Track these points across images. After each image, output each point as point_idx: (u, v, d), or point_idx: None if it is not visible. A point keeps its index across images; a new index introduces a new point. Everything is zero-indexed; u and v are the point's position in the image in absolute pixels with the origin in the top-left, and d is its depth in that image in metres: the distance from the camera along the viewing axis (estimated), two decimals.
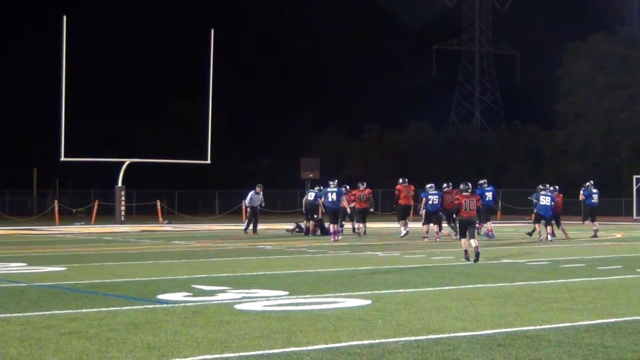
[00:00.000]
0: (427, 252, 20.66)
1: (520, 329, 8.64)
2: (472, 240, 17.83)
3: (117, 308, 10.13)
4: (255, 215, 30.55)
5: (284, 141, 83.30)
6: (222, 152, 72.72)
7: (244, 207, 30.58)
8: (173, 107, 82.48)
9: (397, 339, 8.02)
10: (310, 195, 29.78)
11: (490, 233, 27.93)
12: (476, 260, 17.46)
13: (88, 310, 9.99)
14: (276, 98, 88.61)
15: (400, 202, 28.20)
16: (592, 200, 28.87)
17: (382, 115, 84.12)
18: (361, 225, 29.26)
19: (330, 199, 27.05)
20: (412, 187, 28.60)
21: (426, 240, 26.20)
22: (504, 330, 8.56)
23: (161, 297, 11.28)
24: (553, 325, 8.85)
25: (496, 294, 11.67)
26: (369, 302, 10.67)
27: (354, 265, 16.81)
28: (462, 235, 18.10)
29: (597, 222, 28.97)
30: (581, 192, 29.17)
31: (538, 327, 8.76)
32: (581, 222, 29.01)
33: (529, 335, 8.23)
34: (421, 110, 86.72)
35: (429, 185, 27.48)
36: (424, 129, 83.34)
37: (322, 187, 29.32)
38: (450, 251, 21.00)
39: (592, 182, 29.56)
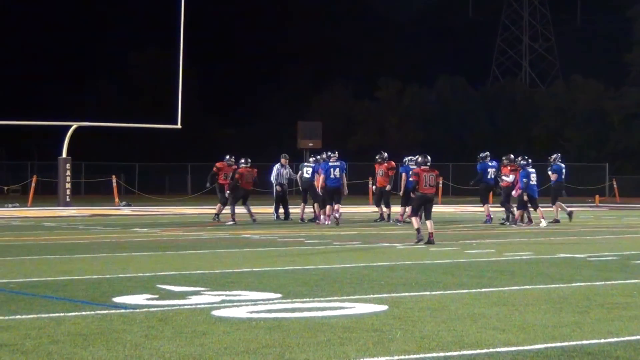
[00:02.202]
0: (459, 243, 20.69)
1: (579, 342, 8.66)
2: (428, 222, 20.40)
3: (62, 314, 10.14)
4: (285, 195, 30.77)
5: (276, 101, 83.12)
6: (197, 115, 72.77)
7: (274, 187, 30.63)
8: (133, 58, 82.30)
9: (421, 355, 8.04)
10: (307, 172, 29.88)
11: (488, 218, 28.62)
12: (428, 243, 20.02)
13: (24, 316, 10.01)
14: (266, 45, 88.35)
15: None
16: (562, 177, 29.87)
17: (403, 67, 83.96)
18: (384, 209, 29.59)
19: (332, 175, 28.04)
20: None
21: (400, 224, 27.57)
22: (559, 344, 8.57)
23: (118, 300, 11.30)
24: (622, 339, 8.87)
25: (549, 297, 11.69)
26: (385, 307, 10.70)
27: (366, 260, 16.85)
28: (415, 213, 20.49)
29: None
30: (549, 170, 29.99)
31: (602, 340, 8.78)
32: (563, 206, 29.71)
33: (591, 351, 8.25)
34: (453, 61, 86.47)
35: (408, 159, 28.48)
36: (456, 84, 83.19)
37: (316, 157, 29.92)
38: (489, 243, 21.04)
39: (559, 154, 30.20)
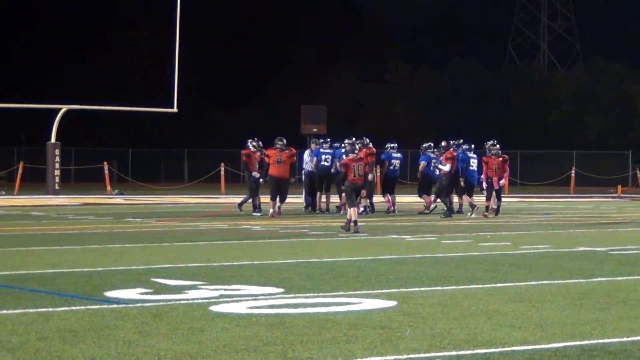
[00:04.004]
0: (473, 235, 20.69)
1: (600, 341, 8.65)
2: (353, 210, 21.44)
3: (50, 309, 10.15)
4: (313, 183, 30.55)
5: (278, 83, 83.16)
6: (194, 98, 72.80)
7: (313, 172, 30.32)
8: (126, 36, 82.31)
9: (431, 354, 8.04)
10: (326, 159, 29.74)
11: (461, 208, 29.08)
12: (350, 230, 20.96)
13: (10, 311, 10.02)
14: (267, 24, 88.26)
15: (272, 172, 28.26)
16: None
17: (413, 49, 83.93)
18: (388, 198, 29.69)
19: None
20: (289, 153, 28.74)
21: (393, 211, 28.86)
22: (578, 343, 8.57)
23: (110, 294, 11.31)
24: None
25: (568, 293, 11.69)
26: (393, 303, 10.70)
27: (374, 253, 16.86)
28: (353, 204, 21.54)
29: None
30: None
31: (625, 338, 8.77)
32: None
33: (613, 350, 8.24)
34: (467, 42, 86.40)
35: (426, 145, 29.07)
36: (470, 67, 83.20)
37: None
38: (504, 235, 21.03)
39: (495, 141, 30.15)
